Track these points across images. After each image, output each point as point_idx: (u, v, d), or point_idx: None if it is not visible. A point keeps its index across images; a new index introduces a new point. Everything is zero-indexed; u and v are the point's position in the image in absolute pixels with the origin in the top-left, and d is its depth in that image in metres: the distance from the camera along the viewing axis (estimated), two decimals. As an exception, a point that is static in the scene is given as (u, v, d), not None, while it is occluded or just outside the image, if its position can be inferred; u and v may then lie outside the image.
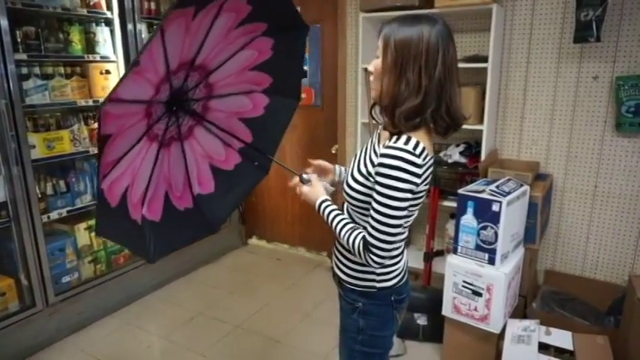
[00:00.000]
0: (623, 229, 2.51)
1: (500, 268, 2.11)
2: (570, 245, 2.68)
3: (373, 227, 1.16)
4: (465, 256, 2.20)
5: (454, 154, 2.69)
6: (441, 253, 2.78)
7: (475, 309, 2.17)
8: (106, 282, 2.83)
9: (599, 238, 2.59)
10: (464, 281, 2.19)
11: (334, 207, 1.31)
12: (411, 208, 1.21)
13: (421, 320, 2.53)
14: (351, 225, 1.25)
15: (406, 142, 1.12)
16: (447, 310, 2.28)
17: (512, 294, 2.27)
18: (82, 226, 2.77)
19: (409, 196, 1.14)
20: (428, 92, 1.13)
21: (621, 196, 2.48)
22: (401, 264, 1.36)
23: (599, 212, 2.56)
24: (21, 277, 2.44)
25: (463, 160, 2.67)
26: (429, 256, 2.70)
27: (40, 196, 2.49)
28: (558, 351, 1.95)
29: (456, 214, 2.22)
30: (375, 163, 1.17)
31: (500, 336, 2.15)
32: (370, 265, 1.21)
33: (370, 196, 1.18)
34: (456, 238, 2.23)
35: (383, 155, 1.13)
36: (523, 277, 2.40)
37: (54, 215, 2.58)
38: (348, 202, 1.30)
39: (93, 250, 2.83)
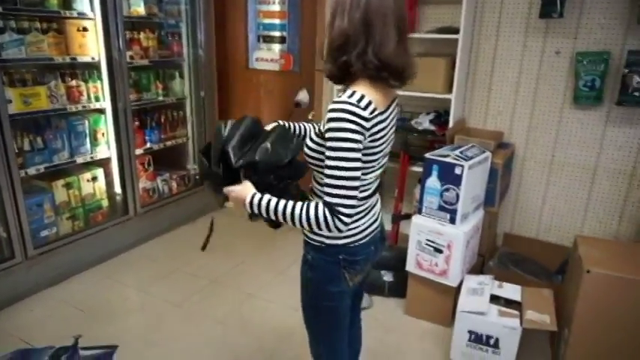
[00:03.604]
0: (574, 196, 2.71)
1: (459, 227, 2.28)
2: (527, 210, 2.88)
3: (330, 185, 1.14)
4: (429, 216, 2.36)
5: (424, 122, 2.82)
6: (408, 217, 2.91)
7: (436, 264, 2.35)
8: (84, 238, 2.90)
9: (553, 204, 2.79)
10: (427, 239, 2.35)
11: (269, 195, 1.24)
12: (366, 158, 1.19)
13: (387, 277, 2.70)
14: (300, 203, 1.20)
15: (350, 96, 1.14)
16: (410, 266, 2.45)
17: (470, 252, 2.45)
18: (60, 182, 2.81)
19: (358, 146, 1.13)
20: (351, 33, 1.16)
21: (574, 165, 2.67)
22: (357, 224, 1.32)
23: (554, 180, 2.75)
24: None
25: (433, 127, 2.80)
26: (397, 217, 2.87)
27: (17, 151, 2.51)
28: (507, 301, 2.14)
29: (422, 177, 2.36)
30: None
31: (458, 290, 2.33)
32: (340, 230, 1.18)
33: None
34: (421, 200, 2.38)
35: (329, 111, 1.14)
36: (482, 237, 2.59)
37: (31, 171, 2.61)
38: (310, 164, 1.31)
39: (71, 207, 2.88)
